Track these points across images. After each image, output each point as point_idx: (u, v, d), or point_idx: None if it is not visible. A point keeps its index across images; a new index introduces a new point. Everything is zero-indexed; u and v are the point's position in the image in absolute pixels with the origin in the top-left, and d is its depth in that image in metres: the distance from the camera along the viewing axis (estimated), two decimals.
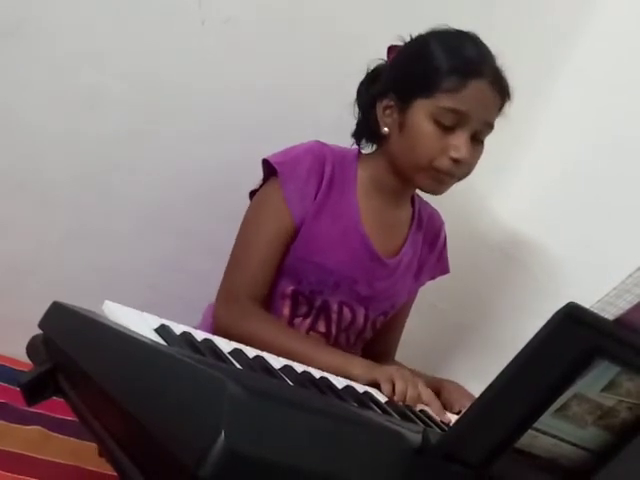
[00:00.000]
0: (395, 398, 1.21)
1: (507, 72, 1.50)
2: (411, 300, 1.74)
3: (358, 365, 1.30)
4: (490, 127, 1.49)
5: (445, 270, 1.75)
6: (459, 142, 1.43)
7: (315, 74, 1.93)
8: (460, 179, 1.51)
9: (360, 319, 1.60)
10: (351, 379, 1.24)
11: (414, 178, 1.50)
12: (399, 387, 1.21)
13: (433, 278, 1.75)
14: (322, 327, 1.57)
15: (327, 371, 1.23)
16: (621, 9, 2.01)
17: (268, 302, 1.54)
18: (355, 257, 1.55)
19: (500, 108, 1.50)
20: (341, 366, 1.28)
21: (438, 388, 1.48)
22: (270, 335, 1.37)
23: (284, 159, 1.52)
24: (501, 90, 1.48)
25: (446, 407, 1.38)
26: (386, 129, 1.51)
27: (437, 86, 1.43)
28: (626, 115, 1.92)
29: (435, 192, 1.53)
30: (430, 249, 1.70)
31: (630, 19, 2.00)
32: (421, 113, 1.45)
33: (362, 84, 1.60)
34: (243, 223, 1.55)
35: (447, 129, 1.44)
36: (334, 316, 1.57)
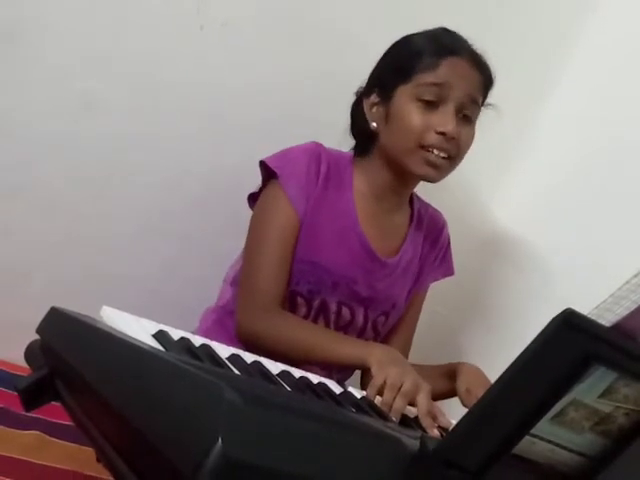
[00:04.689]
0: (380, 405, 1.18)
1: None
2: (418, 306, 1.73)
3: (374, 356, 1.30)
4: (475, 103, 1.51)
5: (449, 272, 1.75)
6: (444, 117, 1.46)
7: (314, 77, 1.93)
8: (454, 160, 1.51)
9: (359, 319, 1.60)
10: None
11: (407, 164, 1.50)
12: (385, 397, 1.19)
13: (437, 279, 1.75)
14: None
15: (345, 360, 1.32)
16: (621, 13, 2.00)
17: None
18: (353, 257, 1.56)
19: (483, 87, 1.52)
20: (359, 356, 1.32)
21: (454, 372, 1.50)
22: (295, 334, 1.40)
23: (282, 162, 1.53)
24: (480, 68, 1.51)
25: (461, 396, 1.43)
26: (374, 124, 1.54)
27: (414, 68, 1.48)
28: (624, 120, 1.92)
29: (431, 177, 1.51)
30: (431, 249, 1.70)
31: (630, 23, 2.00)
32: (403, 97, 1.49)
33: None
34: (251, 229, 1.56)
35: (431, 106, 1.47)
36: (332, 316, 1.58)
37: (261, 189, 1.58)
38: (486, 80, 1.53)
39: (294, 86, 1.92)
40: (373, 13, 1.93)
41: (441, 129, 1.45)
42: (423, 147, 1.47)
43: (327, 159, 1.55)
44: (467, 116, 1.50)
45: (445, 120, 1.46)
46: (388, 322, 1.66)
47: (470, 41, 1.53)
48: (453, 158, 1.50)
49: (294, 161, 1.53)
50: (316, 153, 1.55)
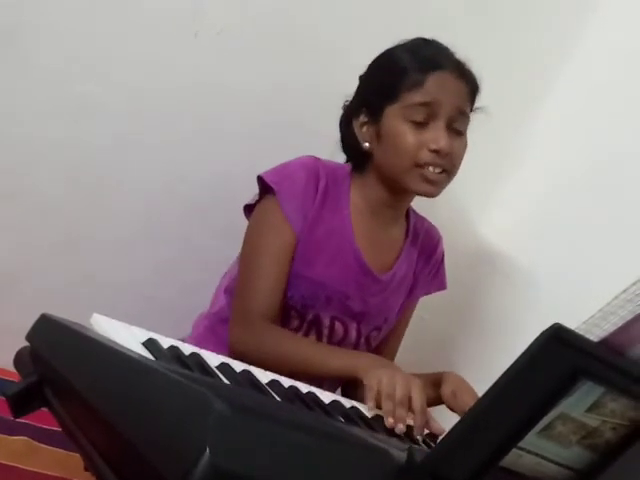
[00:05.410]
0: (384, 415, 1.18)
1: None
2: (407, 317, 1.73)
3: (364, 366, 1.31)
4: (464, 115, 1.50)
5: (442, 286, 1.75)
6: (435, 133, 1.45)
7: (308, 85, 1.93)
8: (450, 173, 1.50)
9: (352, 334, 1.60)
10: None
11: (404, 182, 1.49)
12: (385, 407, 1.19)
13: (429, 293, 1.74)
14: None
15: (337, 372, 1.34)
16: (615, 24, 2.00)
17: None
18: (348, 272, 1.55)
19: (470, 97, 1.51)
20: (350, 368, 1.33)
21: (439, 380, 1.50)
22: (286, 349, 1.41)
23: (279, 177, 1.52)
24: (465, 78, 1.49)
25: (445, 397, 1.43)
26: (366, 144, 1.53)
27: (400, 88, 1.46)
28: (612, 133, 1.93)
29: (429, 193, 1.51)
30: (426, 263, 1.70)
31: (624, 33, 2.00)
32: (393, 118, 1.47)
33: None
34: (246, 244, 1.55)
35: (421, 125, 1.46)
36: (325, 331, 1.57)
37: (257, 201, 1.56)
38: (472, 88, 1.52)
39: (289, 94, 1.93)
40: (369, 21, 1.94)
41: (434, 146, 1.45)
42: (418, 165, 1.46)
43: (325, 174, 1.54)
44: (457, 129, 1.49)
45: (437, 137, 1.45)
46: (380, 336, 1.66)
47: (451, 49, 1.51)
48: (449, 172, 1.50)
49: (292, 177, 1.51)
50: (314, 169, 1.53)
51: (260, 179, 1.53)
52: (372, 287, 1.58)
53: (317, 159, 1.56)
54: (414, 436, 1.17)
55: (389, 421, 1.16)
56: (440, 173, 1.48)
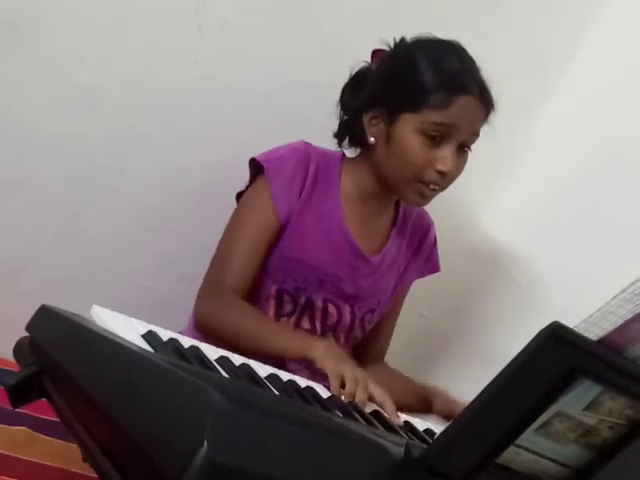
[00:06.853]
0: (343, 398, 1.18)
1: (493, 85, 1.52)
2: (400, 301, 1.75)
3: (316, 349, 1.31)
4: (476, 136, 1.51)
5: (435, 269, 1.76)
6: (445, 154, 1.46)
7: (310, 78, 1.93)
8: (443, 190, 1.53)
9: (346, 317, 1.62)
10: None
11: (400, 190, 1.53)
12: (348, 389, 1.19)
13: (422, 276, 1.76)
14: (306, 324, 1.59)
15: (286, 353, 1.31)
16: (614, 26, 2.01)
17: (253, 304, 1.54)
18: (339, 255, 1.58)
19: (485, 118, 1.52)
20: (300, 349, 1.32)
21: (428, 397, 1.51)
22: (244, 325, 1.41)
23: (270, 157, 1.55)
24: (486, 102, 1.50)
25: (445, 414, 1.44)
26: (372, 139, 1.53)
27: (424, 103, 1.45)
28: (613, 131, 1.94)
29: (419, 204, 1.58)
30: (418, 248, 1.71)
31: (628, 32, 2.01)
32: (408, 127, 1.47)
33: (346, 88, 1.61)
34: (230, 219, 1.58)
35: (433, 141, 1.46)
36: (318, 313, 1.59)
37: (248, 187, 1.59)
38: (490, 111, 1.52)
39: (291, 86, 1.93)
40: (370, 15, 1.93)
41: (441, 168, 1.46)
42: (420, 181, 1.48)
43: (316, 158, 1.56)
44: (465, 148, 1.51)
45: (445, 158, 1.45)
46: (374, 318, 1.68)
47: (472, 59, 1.50)
48: (443, 188, 1.52)
49: (282, 158, 1.55)
50: (305, 153, 1.56)
51: (252, 161, 1.56)
52: (363, 269, 1.60)
53: (308, 144, 1.59)
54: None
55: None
56: (435, 190, 1.51)
